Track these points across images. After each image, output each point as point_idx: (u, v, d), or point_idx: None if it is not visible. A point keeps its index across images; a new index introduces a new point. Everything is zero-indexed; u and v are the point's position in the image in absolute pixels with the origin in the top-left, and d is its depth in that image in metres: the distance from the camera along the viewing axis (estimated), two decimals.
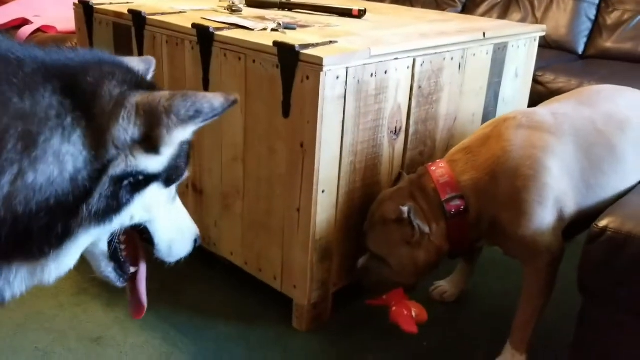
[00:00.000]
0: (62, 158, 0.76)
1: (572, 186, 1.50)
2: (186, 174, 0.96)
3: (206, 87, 1.78)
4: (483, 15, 3.64)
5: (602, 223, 1.30)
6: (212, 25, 1.74)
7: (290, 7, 2.14)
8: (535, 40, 2.22)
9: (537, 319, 1.55)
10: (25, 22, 3.06)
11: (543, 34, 2.25)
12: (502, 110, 2.16)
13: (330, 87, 1.50)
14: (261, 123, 1.66)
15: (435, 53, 1.78)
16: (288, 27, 1.76)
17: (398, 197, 1.60)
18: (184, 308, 1.85)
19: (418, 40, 1.75)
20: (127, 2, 2.15)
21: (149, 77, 0.99)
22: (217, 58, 1.72)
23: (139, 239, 1.03)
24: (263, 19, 1.91)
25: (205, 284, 1.97)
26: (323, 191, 1.60)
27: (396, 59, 1.66)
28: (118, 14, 2.00)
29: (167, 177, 0.89)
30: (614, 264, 1.28)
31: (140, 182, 0.84)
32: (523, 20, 3.51)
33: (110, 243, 0.95)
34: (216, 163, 1.84)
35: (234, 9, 2.04)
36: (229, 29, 1.74)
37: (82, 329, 1.73)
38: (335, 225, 1.68)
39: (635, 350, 1.32)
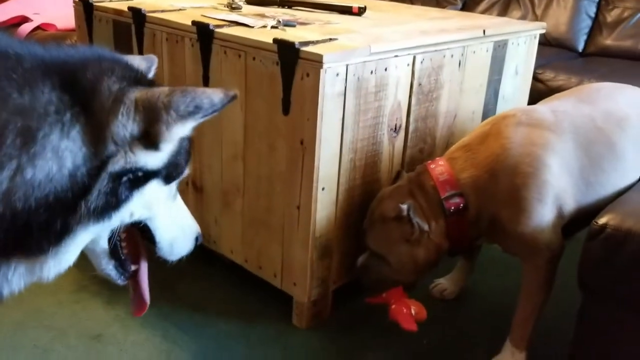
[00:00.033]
0: (61, 154, 0.76)
1: (571, 183, 1.50)
2: (187, 172, 0.95)
3: (206, 85, 1.78)
4: (483, 12, 3.63)
5: (602, 220, 1.30)
6: (212, 22, 1.74)
7: (290, 5, 2.14)
8: (535, 37, 2.21)
9: (536, 316, 1.55)
10: (24, 19, 3.06)
11: (543, 31, 2.25)
12: (502, 108, 2.16)
13: (330, 84, 1.50)
14: (261, 120, 1.66)
15: (435, 50, 1.78)
16: (288, 24, 1.76)
17: (397, 195, 1.60)
18: (184, 305, 1.85)
19: (418, 37, 1.75)
20: (127, 0, 2.15)
21: (151, 75, 0.99)
22: (217, 55, 1.72)
23: (139, 236, 1.02)
24: (263, 16, 1.91)
25: (206, 281, 1.97)
26: (323, 188, 1.60)
27: (396, 56, 1.65)
28: (118, 12, 2.00)
29: (167, 174, 0.89)
30: (614, 261, 1.28)
31: (139, 178, 0.84)
32: (523, 17, 3.51)
33: (110, 240, 0.94)
34: (216, 160, 1.84)
35: (233, 6, 2.04)
36: (228, 26, 1.74)
37: (82, 327, 1.73)
38: (335, 222, 1.68)
39: (635, 347, 1.33)
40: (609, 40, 3.38)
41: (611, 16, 3.42)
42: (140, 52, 1.93)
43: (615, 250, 1.27)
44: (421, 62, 1.74)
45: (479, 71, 2.00)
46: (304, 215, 1.62)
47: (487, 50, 1.99)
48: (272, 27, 1.73)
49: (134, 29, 1.95)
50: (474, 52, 1.93)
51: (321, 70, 1.47)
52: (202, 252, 1.90)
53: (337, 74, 1.51)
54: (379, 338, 1.74)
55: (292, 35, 1.63)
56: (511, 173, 1.49)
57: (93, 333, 1.71)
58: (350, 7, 2.06)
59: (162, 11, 1.93)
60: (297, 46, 1.50)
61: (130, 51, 1.96)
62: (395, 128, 1.76)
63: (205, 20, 1.76)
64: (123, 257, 1.01)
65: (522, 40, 2.15)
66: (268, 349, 1.69)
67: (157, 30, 1.88)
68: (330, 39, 1.60)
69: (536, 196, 1.46)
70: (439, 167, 1.57)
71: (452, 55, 1.85)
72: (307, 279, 1.69)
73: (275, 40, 1.54)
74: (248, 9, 2.07)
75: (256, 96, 1.65)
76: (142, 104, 0.80)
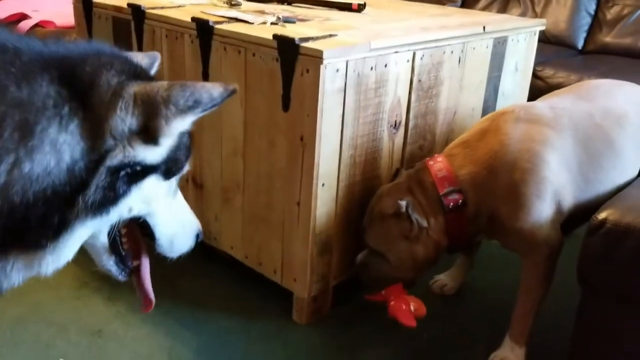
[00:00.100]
0: (59, 148, 0.75)
1: (570, 180, 1.50)
2: (187, 167, 0.95)
3: (206, 81, 1.77)
4: (483, 9, 3.63)
5: (602, 215, 1.30)
6: (211, 18, 1.74)
7: (290, 1, 2.14)
8: (535, 34, 2.21)
9: (536, 312, 1.55)
10: (23, 17, 3.05)
11: (543, 28, 2.25)
12: (501, 105, 2.16)
13: (330, 80, 1.50)
14: (261, 116, 1.66)
15: (435, 47, 1.78)
16: (287, 20, 1.76)
17: (396, 192, 1.60)
18: (185, 302, 1.85)
19: (418, 33, 1.75)
20: None
21: (153, 71, 0.98)
22: (217, 52, 1.72)
23: (140, 233, 1.02)
24: (262, 12, 1.91)
25: (206, 277, 1.97)
26: (323, 185, 1.60)
27: (396, 52, 1.65)
28: (117, 8, 2.00)
29: (167, 169, 0.89)
30: (613, 257, 1.28)
31: (137, 173, 0.83)
32: (522, 15, 3.50)
33: (110, 235, 0.94)
34: (216, 157, 1.84)
35: (233, 2, 2.04)
36: (228, 22, 1.74)
37: (83, 322, 1.74)
38: (335, 218, 1.68)
39: (635, 342, 1.33)
40: (608, 38, 3.38)
41: (611, 14, 3.42)
42: (140, 49, 1.93)
43: (614, 245, 1.28)
44: (421, 59, 1.74)
45: (478, 68, 2.00)
46: (304, 212, 1.63)
47: (487, 47, 1.99)
48: (272, 23, 1.73)
49: (134, 25, 1.95)
50: (474, 48, 1.93)
51: (321, 66, 1.47)
52: (202, 248, 1.90)
53: (337, 70, 1.51)
54: (379, 334, 1.74)
55: (292, 31, 1.63)
56: (510, 169, 1.49)
57: (94, 329, 1.71)
58: (350, 4, 2.06)
59: (162, 8, 1.93)
60: (297, 42, 1.50)
61: (129, 48, 1.96)
62: (395, 124, 1.76)
63: (205, 17, 1.75)
64: (124, 253, 1.01)
65: (522, 37, 2.15)
66: (268, 344, 1.69)
67: (156, 26, 1.88)
68: (330, 35, 1.60)
69: (535, 192, 1.47)
70: (437, 164, 1.57)
71: (452, 52, 1.85)
72: (307, 275, 1.69)
73: (275, 37, 1.54)
74: (247, 5, 2.07)
75: (256, 92, 1.65)
76: (141, 98, 0.80)
